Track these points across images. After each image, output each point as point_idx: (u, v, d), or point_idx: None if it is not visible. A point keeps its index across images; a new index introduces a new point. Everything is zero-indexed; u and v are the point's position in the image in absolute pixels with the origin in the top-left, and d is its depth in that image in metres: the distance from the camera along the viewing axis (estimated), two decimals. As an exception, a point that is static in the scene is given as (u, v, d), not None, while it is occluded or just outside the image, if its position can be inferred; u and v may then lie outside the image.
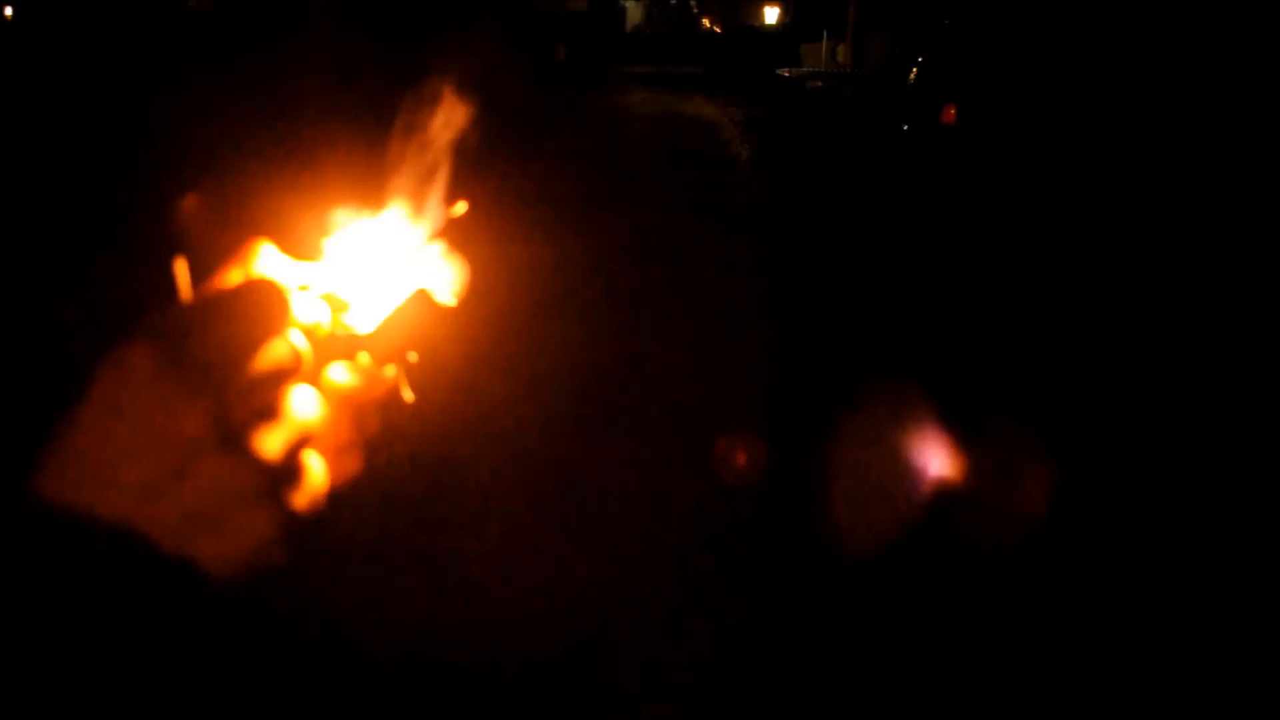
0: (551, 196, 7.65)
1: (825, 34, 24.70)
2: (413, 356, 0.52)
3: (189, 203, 0.78)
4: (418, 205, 0.55)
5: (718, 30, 35.66)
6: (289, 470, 0.46)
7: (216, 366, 0.45)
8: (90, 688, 0.45)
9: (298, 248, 0.53)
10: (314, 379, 0.49)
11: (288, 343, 0.47)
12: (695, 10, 38.40)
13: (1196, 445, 4.09)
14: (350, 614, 2.44)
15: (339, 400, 0.50)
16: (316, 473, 0.48)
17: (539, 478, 3.38)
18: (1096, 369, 4.91)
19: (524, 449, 3.52)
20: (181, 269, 0.50)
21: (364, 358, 0.51)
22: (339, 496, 0.50)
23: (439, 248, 0.55)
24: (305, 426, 0.47)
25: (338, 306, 0.52)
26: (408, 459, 3.06)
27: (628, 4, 35.86)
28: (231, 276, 0.50)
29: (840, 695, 2.44)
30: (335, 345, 0.51)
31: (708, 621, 2.72)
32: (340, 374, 0.51)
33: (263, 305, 0.47)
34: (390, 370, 0.52)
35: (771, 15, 29.33)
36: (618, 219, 7.63)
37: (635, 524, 3.16)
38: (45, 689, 0.44)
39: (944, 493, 3.21)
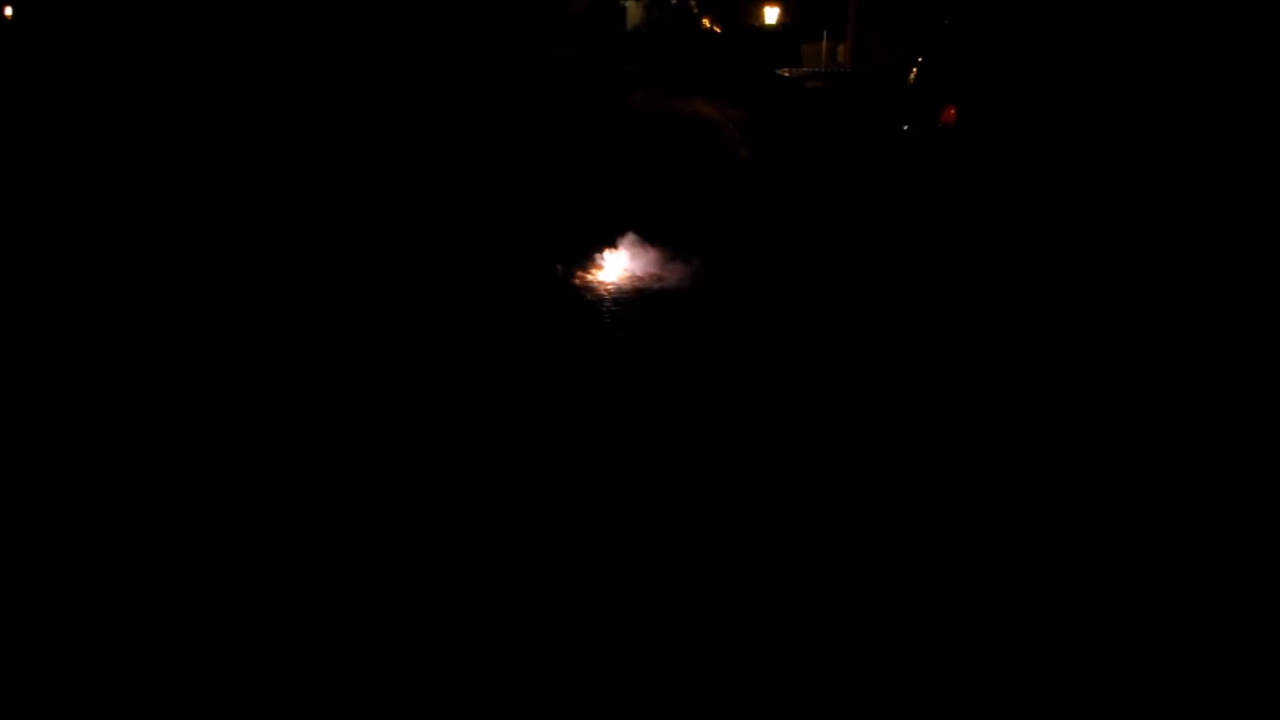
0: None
1: (825, 34, 24.71)
2: None
3: None
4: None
5: (718, 30, 35.63)
6: None
7: None
8: None
9: None
10: None
11: None
12: (695, 10, 38.37)
13: (1195, 444, 4.10)
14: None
15: None
16: None
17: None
18: (1094, 368, 4.91)
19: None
20: None
21: None
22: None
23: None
24: None
25: None
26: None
27: (628, 4, 35.82)
28: None
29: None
30: None
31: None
32: None
33: None
34: None
35: (771, 15, 29.29)
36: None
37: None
38: None
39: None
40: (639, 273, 6.54)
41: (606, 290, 6.22)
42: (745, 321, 5.70)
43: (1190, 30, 7.97)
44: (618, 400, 4.52)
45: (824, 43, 25.25)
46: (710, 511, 3.53)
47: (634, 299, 6.06)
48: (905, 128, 10.05)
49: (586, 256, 6.87)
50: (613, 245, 6.93)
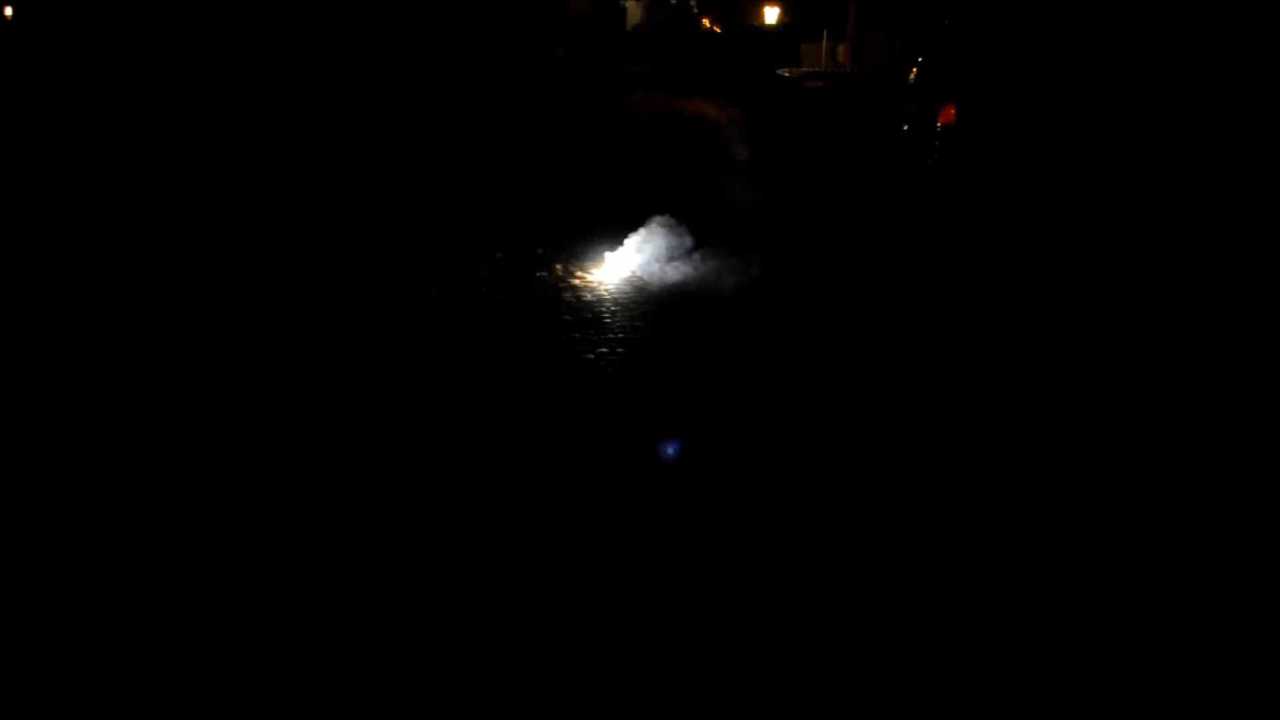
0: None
1: (825, 34, 24.70)
2: None
3: None
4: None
5: (718, 30, 35.63)
6: None
7: None
8: None
9: None
10: None
11: None
12: (695, 10, 38.38)
13: (1194, 444, 4.10)
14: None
15: None
16: None
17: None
18: (1093, 368, 4.92)
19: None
20: None
21: None
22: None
23: None
24: None
25: None
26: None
27: (628, 4, 35.84)
28: None
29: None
30: None
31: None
32: None
33: None
34: None
35: (771, 15, 29.31)
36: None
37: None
38: None
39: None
40: (639, 271, 6.55)
41: (606, 289, 6.23)
42: (745, 321, 5.70)
43: (1190, 29, 7.97)
44: (617, 397, 4.53)
45: (824, 43, 25.25)
46: (704, 519, 3.53)
47: (633, 297, 6.07)
48: (905, 128, 10.05)
49: (588, 255, 6.89)
50: (614, 244, 6.94)
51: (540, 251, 7.10)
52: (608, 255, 6.83)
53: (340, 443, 3.97)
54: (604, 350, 5.13)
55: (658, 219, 7.06)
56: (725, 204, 8.97)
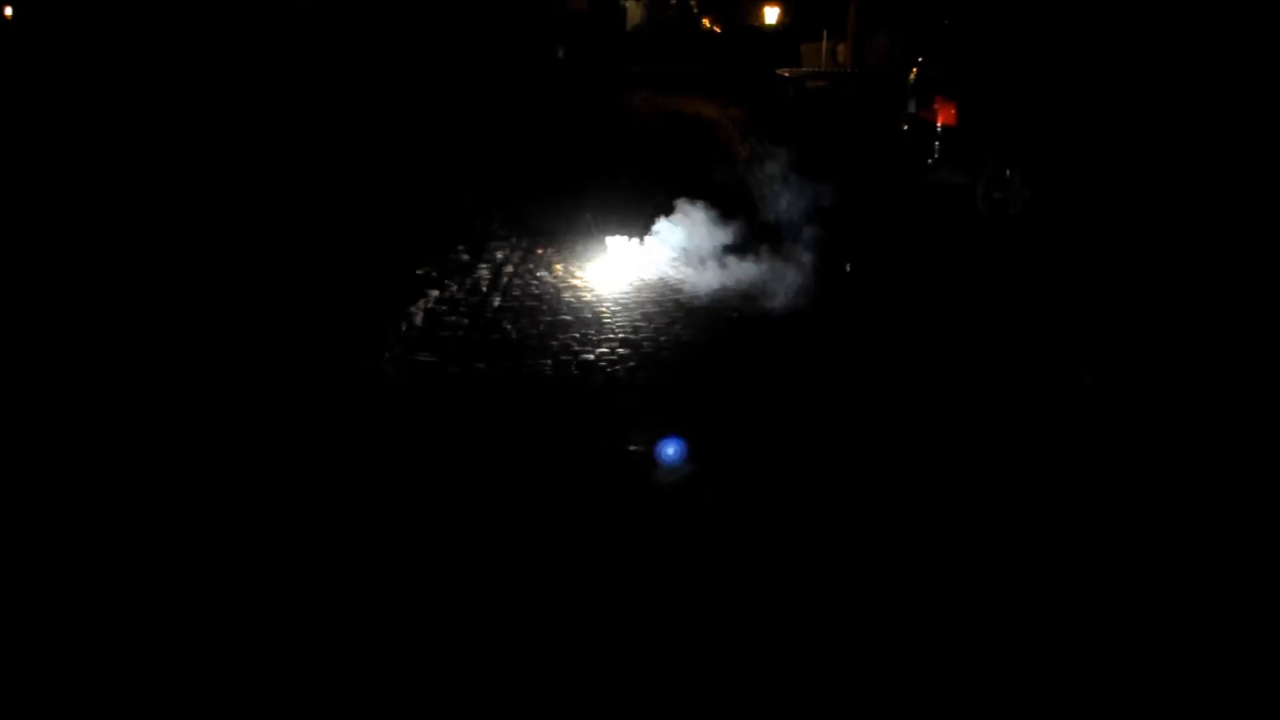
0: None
1: (825, 34, 24.65)
2: None
3: None
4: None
5: (718, 30, 35.61)
6: None
7: None
8: None
9: None
10: None
11: None
12: (695, 10, 38.35)
13: (1200, 443, 4.11)
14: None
15: None
16: None
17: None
18: (1096, 367, 4.92)
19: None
20: None
21: None
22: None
23: None
24: None
25: None
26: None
27: (628, 4, 35.82)
28: None
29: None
30: None
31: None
32: None
33: None
34: None
35: (771, 15, 29.29)
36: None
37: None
38: None
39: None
40: (638, 270, 6.56)
41: (607, 289, 6.23)
42: (745, 319, 5.71)
43: (1189, 30, 7.97)
44: (616, 395, 4.53)
45: (824, 43, 25.21)
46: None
47: (633, 297, 6.07)
48: (905, 128, 10.04)
49: (589, 254, 6.90)
50: (613, 244, 6.95)
51: (541, 251, 7.11)
52: (607, 255, 6.84)
53: (336, 441, 3.98)
54: (604, 350, 5.14)
55: (657, 220, 7.07)
56: (725, 204, 8.97)
